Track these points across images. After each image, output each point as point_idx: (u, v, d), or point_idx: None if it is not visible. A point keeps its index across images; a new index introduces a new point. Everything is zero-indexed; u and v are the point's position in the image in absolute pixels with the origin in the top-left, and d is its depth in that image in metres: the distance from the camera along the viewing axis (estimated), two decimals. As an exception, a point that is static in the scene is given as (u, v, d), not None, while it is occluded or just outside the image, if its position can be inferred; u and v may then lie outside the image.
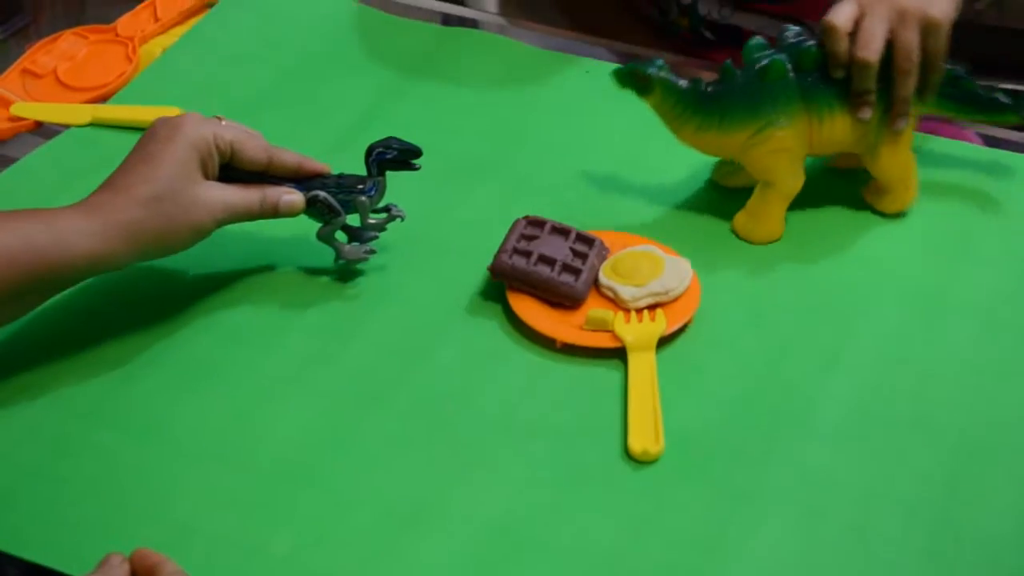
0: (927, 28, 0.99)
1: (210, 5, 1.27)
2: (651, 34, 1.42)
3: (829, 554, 0.80)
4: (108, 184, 0.88)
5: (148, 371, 0.90)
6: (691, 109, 0.99)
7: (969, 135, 1.17)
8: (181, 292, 0.96)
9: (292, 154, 0.95)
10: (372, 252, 0.97)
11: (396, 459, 0.84)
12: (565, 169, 1.09)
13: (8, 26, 1.27)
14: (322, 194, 0.94)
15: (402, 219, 0.97)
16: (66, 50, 1.21)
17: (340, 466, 0.84)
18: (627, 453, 0.84)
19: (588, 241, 0.97)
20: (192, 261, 0.97)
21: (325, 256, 0.98)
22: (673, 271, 0.95)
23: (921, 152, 1.11)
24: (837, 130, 1.00)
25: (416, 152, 0.94)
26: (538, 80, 1.19)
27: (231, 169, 0.92)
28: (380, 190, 0.95)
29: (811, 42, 0.99)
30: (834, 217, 1.05)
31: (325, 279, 0.98)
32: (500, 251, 0.95)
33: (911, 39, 0.99)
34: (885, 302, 0.97)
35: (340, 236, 0.97)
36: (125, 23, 1.24)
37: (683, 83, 0.99)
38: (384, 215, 0.97)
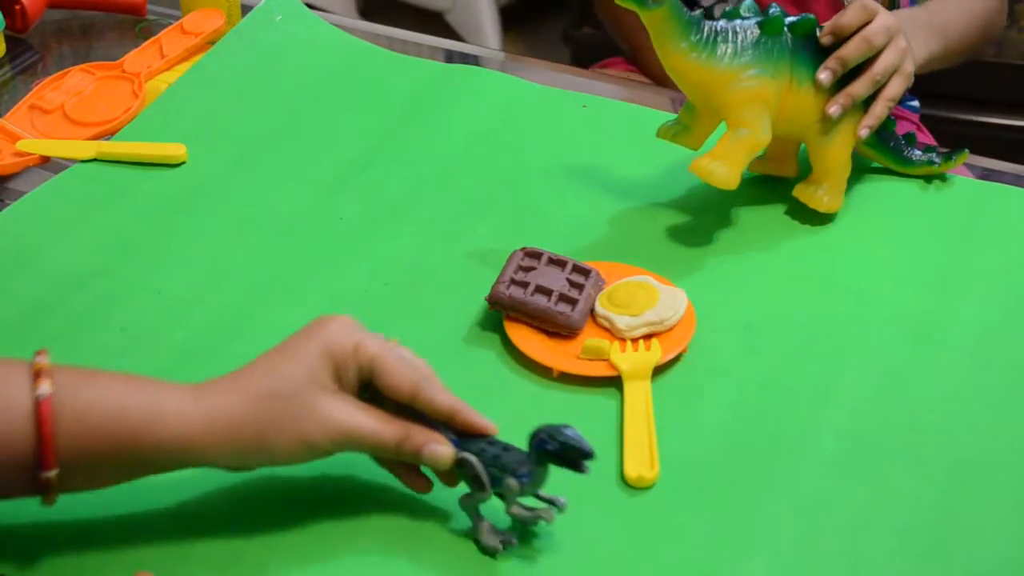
0: (899, 70, 1.07)
1: (214, 43, 1.28)
2: None
3: (821, 581, 0.81)
4: (235, 372, 0.79)
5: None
6: (689, 34, 1.00)
7: (960, 167, 1.18)
8: (186, 325, 0.97)
9: (448, 397, 0.81)
10: (510, 543, 0.81)
11: (398, 483, 0.85)
12: (562, 202, 1.10)
13: (17, 63, 1.29)
14: (473, 460, 0.80)
15: (558, 511, 0.81)
16: (73, 86, 1.22)
17: (342, 492, 0.84)
18: (623, 479, 0.85)
19: (584, 272, 0.98)
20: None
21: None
22: (668, 301, 0.96)
23: (912, 184, 1.13)
24: (807, 103, 1.04)
25: (584, 453, 0.78)
26: (537, 115, 1.20)
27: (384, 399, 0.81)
28: (535, 479, 0.79)
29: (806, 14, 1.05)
30: (826, 250, 1.06)
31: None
32: (498, 282, 0.96)
33: (892, 62, 1.06)
34: (877, 333, 0.98)
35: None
36: (132, 59, 1.25)
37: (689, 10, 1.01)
38: (545, 505, 0.81)
